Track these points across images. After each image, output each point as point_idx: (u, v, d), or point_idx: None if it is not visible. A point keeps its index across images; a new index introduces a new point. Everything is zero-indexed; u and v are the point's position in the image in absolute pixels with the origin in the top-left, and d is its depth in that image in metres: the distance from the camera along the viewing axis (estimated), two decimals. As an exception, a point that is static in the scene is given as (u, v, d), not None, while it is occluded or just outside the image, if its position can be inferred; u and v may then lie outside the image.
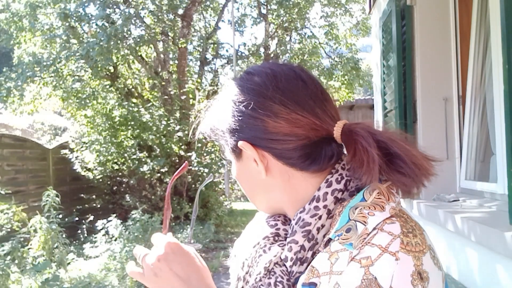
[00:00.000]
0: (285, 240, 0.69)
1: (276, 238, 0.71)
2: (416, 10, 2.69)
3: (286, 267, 0.66)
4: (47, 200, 5.30)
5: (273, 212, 0.75)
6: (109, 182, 8.36)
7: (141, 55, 8.76)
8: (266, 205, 0.74)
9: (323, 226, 0.65)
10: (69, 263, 5.35)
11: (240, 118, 0.68)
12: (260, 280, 0.67)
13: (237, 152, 0.71)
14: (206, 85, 9.74)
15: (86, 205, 8.20)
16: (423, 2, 2.68)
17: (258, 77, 0.70)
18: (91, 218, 7.34)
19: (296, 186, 0.69)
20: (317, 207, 0.66)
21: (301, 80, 0.69)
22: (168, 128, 8.05)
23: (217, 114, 0.73)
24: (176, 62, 9.20)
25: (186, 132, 8.19)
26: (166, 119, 8.14)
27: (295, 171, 0.68)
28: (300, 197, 0.68)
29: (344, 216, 0.61)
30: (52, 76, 7.79)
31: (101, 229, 6.30)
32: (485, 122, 2.32)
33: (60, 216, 5.62)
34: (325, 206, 0.65)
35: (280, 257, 0.67)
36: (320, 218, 0.65)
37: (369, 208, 0.60)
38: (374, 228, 0.57)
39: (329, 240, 0.62)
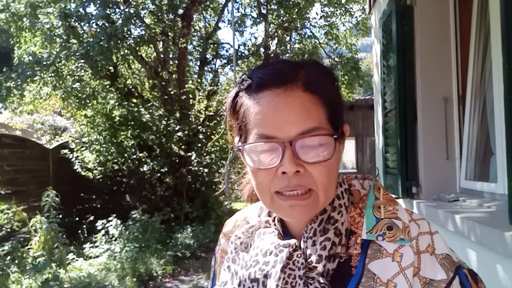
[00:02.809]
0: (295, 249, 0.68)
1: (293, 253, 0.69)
2: (416, 10, 2.69)
3: (318, 269, 0.66)
4: (46, 200, 5.30)
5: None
6: (109, 182, 8.36)
7: (141, 55, 8.76)
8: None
9: (343, 222, 0.69)
10: (69, 263, 5.34)
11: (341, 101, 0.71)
12: None
13: (340, 134, 0.69)
14: (206, 85, 9.74)
15: (86, 205, 8.19)
16: (423, 2, 2.67)
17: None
18: (91, 218, 7.34)
19: None
20: (340, 204, 0.70)
21: None
22: (168, 128, 8.05)
23: (337, 97, 0.71)
24: (176, 62, 9.20)
25: (186, 132, 8.20)
26: (166, 119, 8.14)
27: None
28: None
29: (369, 216, 0.69)
30: (52, 76, 7.79)
31: (101, 229, 6.30)
32: (485, 122, 2.32)
33: (60, 216, 5.62)
34: (343, 204, 0.70)
35: (311, 260, 0.66)
36: (342, 215, 0.69)
37: (389, 204, 0.70)
38: (410, 221, 0.68)
39: (367, 241, 0.67)
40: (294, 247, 0.68)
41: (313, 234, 0.68)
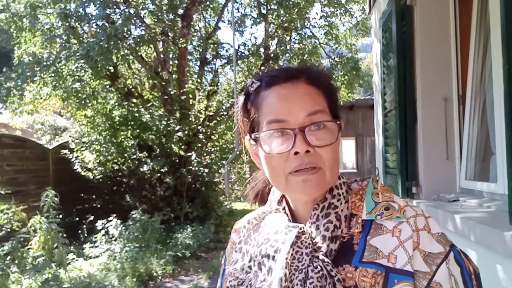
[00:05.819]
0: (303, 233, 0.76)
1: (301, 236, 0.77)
2: (416, 10, 2.69)
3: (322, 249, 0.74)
4: (45, 200, 5.30)
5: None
6: (109, 182, 8.36)
7: (141, 55, 8.76)
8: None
9: (343, 209, 0.78)
10: (69, 263, 5.34)
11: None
12: (308, 266, 0.72)
13: (339, 125, 0.78)
14: (206, 85, 9.74)
15: (86, 205, 8.20)
16: (423, 2, 2.67)
17: None
18: (91, 218, 7.34)
19: None
20: (339, 193, 0.79)
21: None
22: (168, 128, 8.05)
23: (335, 92, 0.83)
24: (176, 62, 9.20)
25: (186, 132, 8.20)
26: (166, 119, 8.14)
27: None
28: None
29: (369, 200, 0.78)
30: (52, 76, 7.78)
31: (101, 229, 6.30)
32: (485, 122, 2.32)
33: (60, 216, 5.62)
34: (342, 193, 0.79)
35: (316, 241, 0.74)
36: (341, 202, 0.78)
37: (386, 191, 0.79)
38: (406, 206, 0.76)
39: (369, 221, 0.75)
40: (302, 229, 0.76)
41: (316, 219, 0.77)
